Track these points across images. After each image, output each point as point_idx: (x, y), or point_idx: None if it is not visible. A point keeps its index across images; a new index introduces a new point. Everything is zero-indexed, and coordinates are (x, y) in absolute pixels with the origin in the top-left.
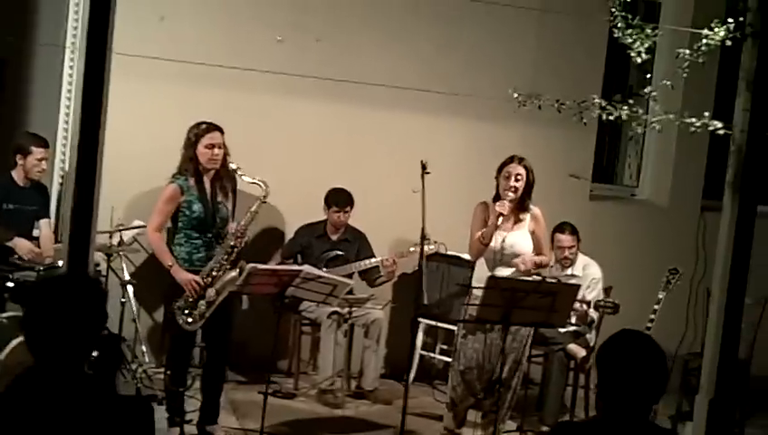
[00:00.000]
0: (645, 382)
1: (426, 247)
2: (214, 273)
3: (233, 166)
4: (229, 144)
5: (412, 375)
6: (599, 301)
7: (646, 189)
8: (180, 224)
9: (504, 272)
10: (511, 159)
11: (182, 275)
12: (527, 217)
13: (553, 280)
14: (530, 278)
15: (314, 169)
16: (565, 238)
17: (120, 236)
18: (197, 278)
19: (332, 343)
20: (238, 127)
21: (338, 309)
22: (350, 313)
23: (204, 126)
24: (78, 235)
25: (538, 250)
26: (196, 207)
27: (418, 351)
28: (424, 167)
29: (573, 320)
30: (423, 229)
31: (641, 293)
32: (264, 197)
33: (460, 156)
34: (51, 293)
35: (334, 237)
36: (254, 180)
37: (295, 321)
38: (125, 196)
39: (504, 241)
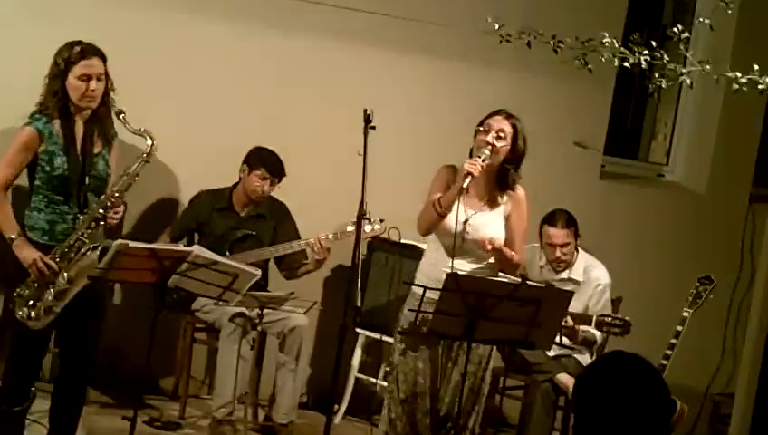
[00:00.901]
0: (632, 427)
1: (367, 228)
2: (70, 253)
3: (116, 107)
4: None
5: (344, 407)
6: (602, 317)
7: (678, 169)
8: (38, 182)
9: (464, 266)
10: (497, 112)
11: (25, 252)
12: (504, 197)
13: (541, 284)
14: (506, 279)
15: (224, 120)
16: (557, 233)
17: None
18: (46, 258)
19: (235, 356)
20: (120, 53)
21: (244, 310)
22: (260, 316)
23: (78, 49)
24: None
25: (509, 244)
26: (59, 160)
27: (354, 373)
28: (368, 119)
29: (562, 340)
30: (362, 203)
31: (661, 308)
32: (148, 154)
33: (420, 107)
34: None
35: (243, 212)
36: (139, 130)
37: (186, 324)
38: None
39: (467, 221)
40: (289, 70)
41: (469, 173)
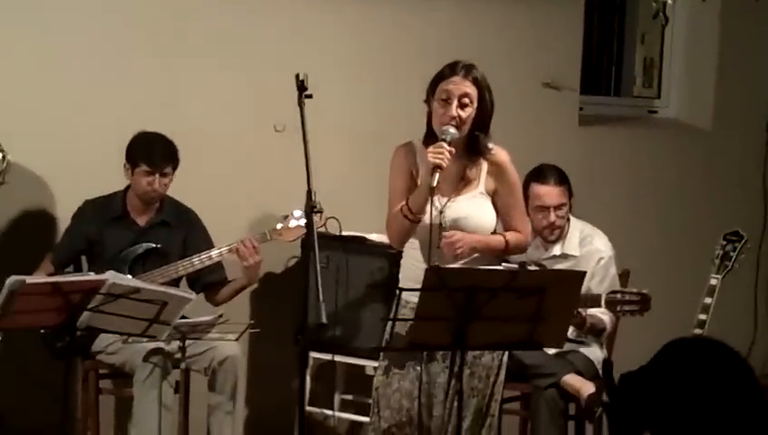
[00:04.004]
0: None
1: (293, 223)
2: None
3: None
4: None
5: None
6: (612, 294)
7: (673, 103)
8: None
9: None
10: (452, 70)
11: None
12: (482, 169)
13: (534, 267)
14: (498, 267)
15: (98, 108)
16: (549, 192)
17: None
18: None
19: (155, 405)
20: None
21: (161, 345)
22: (182, 349)
23: None
24: None
25: (507, 224)
26: None
27: (305, 406)
28: (302, 86)
29: (570, 332)
30: (310, 193)
31: (679, 278)
32: (1, 173)
33: (352, 64)
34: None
35: (142, 221)
36: None
37: (87, 372)
38: None
39: (442, 213)
40: (173, 33)
41: (437, 166)
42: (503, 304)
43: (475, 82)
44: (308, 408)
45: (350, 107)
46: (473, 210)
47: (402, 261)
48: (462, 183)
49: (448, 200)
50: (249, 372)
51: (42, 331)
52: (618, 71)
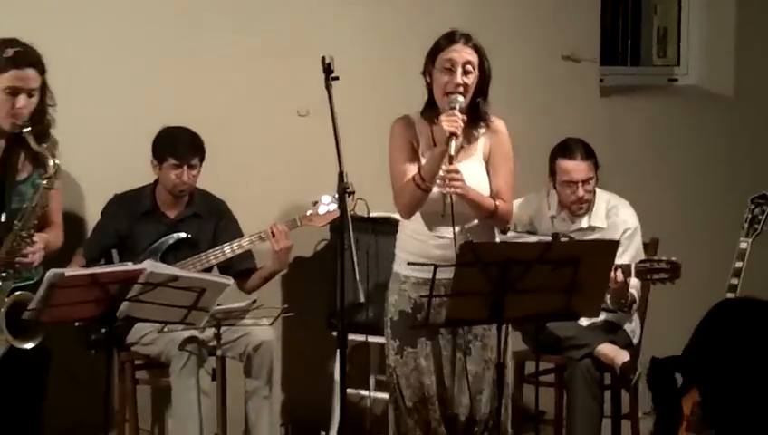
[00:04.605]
0: None
1: (322, 209)
2: None
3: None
4: None
5: (333, 432)
6: (642, 263)
7: (693, 69)
8: None
9: (450, 234)
10: (450, 39)
11: None
12: (480, 136)
13: (565, 238)
14: (533, 239)
15: (123, 99)
16: (577, 167)
17: None
18: None
19: (194, 393)
20: None
21: (196, 334)
22: (217, 337)
23: (9, 54)
24: None
25: (496, 190)
26: None
27: (338, 388)
28: (329, 69)
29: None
30: (342, 175)
31: (708, 244)
32: (50, 179)
33: (380, 42)
34: None
35: (173, 214)
36: (41, 148)
37: (122, 364)
38: None
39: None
40: (194, 23)
41: (453, 134)
42: (538, 275)
43: (476, 48)
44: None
45: (372, 88)
46: (472, 175)
47: (399, 235)
48: (462, 150)
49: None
50: (284, 357)
51: (76, 324)
52: (634, 41)
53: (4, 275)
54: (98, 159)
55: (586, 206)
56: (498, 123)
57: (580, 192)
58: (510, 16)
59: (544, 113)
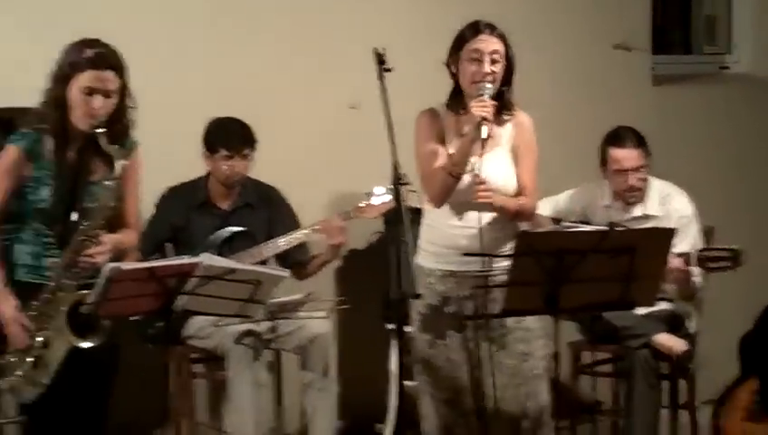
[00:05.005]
0: None
1: (375, 200)
2: (48, 310)
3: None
4: None
5: (390, 425)
6: (703, 251)
7: (744, 57)
8: (20, 209)
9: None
10: (476, 29)
11: (5, 308)
12: (507, 126)
13: (620, 228)
14: (589, 227)
15: (171, 89)
16: (628, 155)
17: None
18: (23, 319)
19: (249, 386)
20: None
21: (252, 327)
22: (273, 330)
23: (89, 55)
24: None
25: (520, 184)
26: (45, 192)
27: (394, 379)
28: (381, 58)
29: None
30: (396, 162)
31: (759, 232)
32: (114, 180)
33: (431, 33)
34: None
35: (226, 205)
36: (112, 150)
37: (179, 358)
38: None
39: (473, 171)
40: (245, 15)
41: (484, 118)
42: (593, 265)
43: (501, 37)
44: (405, 382)
45: (420, 80)
46: (501, 168)
47: (423, 226)
48: (489, 140)
49: (477, 158)
50: (338, 349)
51: (132, 318)
52: (684, 30)
53: (69, 274)
54: (151, 151)
55: (638, 194)
56: (522, 115)
57: (632, 180)
58: (560, 7)
59: (596, 103)
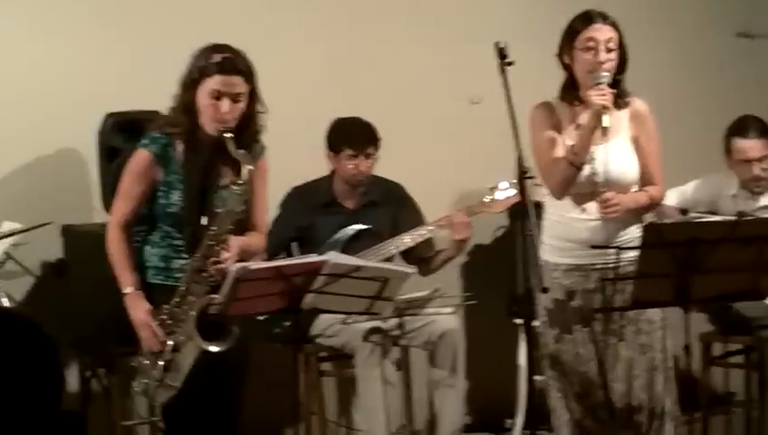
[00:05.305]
0: None
1: (500, 195)
2: (179, 313)
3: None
4: None
5: (520, 420)
6: None
7: None
8: (152, 213)
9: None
10: (588, 19)
11: (138, 313)
12: (623, 114)
13: (750, 217)
14: (717, 218)
15: (292, 89)
16: (752, 145)
17: None
18: (154, 324)
19: (378, 383)
20: None
21: (379, 324)
22: (401, 327)
23: (218, 59)
24: None
25: (646, 176)
26: (175, 196)
27: (524, 375)
28: (502, 52)
29: None
30: (520, 159)
31: None
32: (241, 185)
33: (545, 28)
34: None
35: (351, 204)
36: (241, 155)
37: (307, 357)
38: None
39: (593, 160)
40: (366, 15)
41: (604, 107)
42: (724, 255)
43: (614, 26)
44: (536, 377)
45: (541, 74)
46: (622, 157)
47: (547, 219)
48: (606, 130)
49: (595, 147)
50: (466, 345)
51: (260, 317)
52: None
53: (199, 279)
54: (274, 152)
55: (765, 184)
56: (639, 103)
57: (756, 170)
58: None
59: (718, 92)
